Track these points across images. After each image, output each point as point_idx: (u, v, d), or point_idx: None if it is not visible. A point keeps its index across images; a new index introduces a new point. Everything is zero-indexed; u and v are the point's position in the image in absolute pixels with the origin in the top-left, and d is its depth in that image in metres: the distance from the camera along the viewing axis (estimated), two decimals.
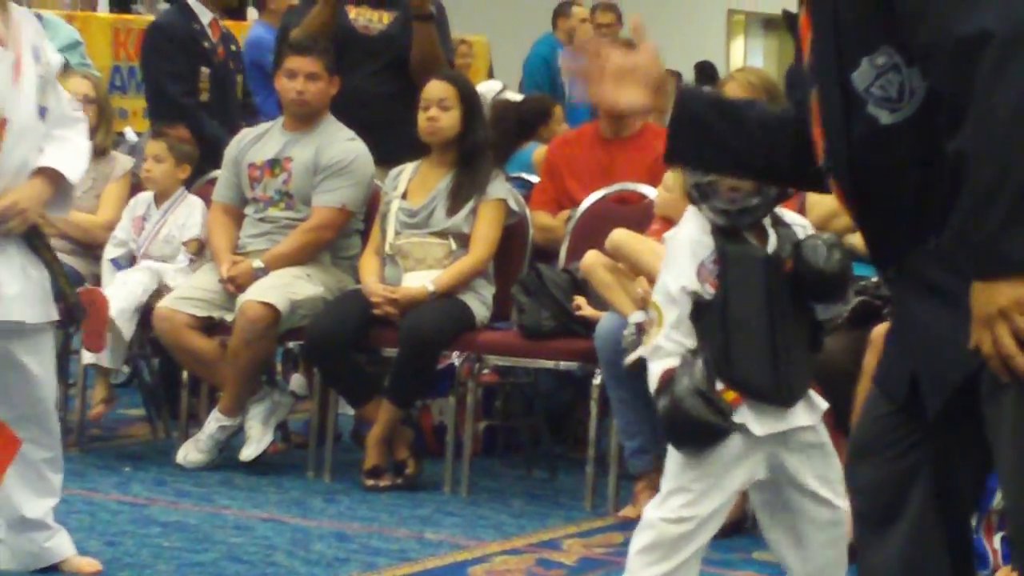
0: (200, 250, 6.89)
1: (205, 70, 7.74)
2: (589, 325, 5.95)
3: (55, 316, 4.77)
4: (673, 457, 4.08)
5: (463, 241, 6.38)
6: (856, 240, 5.17)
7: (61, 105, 4.75)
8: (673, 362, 4.00)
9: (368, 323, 6.30)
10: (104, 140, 7.09)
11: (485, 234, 6.38)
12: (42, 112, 4.64)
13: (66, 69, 7.18)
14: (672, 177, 5.53)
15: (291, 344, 6.71)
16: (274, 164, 6.74)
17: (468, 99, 6.53)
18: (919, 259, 2.86)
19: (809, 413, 4.11)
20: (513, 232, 6.51)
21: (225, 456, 6.57)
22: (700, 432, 3.97)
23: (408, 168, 6.54)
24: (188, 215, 6.96)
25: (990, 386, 2.74)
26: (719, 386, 3.99)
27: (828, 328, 4.27)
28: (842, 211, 3.07)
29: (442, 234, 6.38)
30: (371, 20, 7.22)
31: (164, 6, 9.18)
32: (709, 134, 3.10)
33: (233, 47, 7.99)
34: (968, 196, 2.66)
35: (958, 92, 2.68)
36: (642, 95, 3.08)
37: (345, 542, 5.43)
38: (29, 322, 4.64)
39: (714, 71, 14.36)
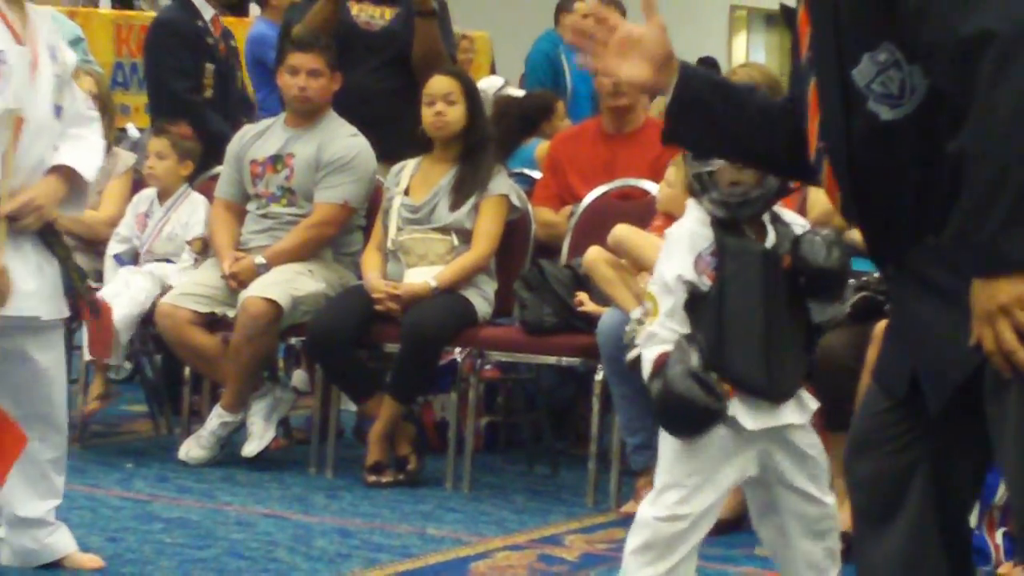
0: (204, 249, 6.89)
1: (209, 66, 7.75)
2: (591, 321, 5.95)
3: (67, 313, 4.82)
4: (666, 451, 4.07)
5: (465, 237, 6.38)
6: (856, 236, 5.19)
7: (76, 104, 4.79)
8: (667, 348, 3.98)
9: (370, 319, 6.30)
10: (106, 136, 7.07)
11: (487, 230, 6.37)
12: (57, 111, 4.67)
13: None
14: (674, 173, 5.54)
15: (293, 340, 6.72)
16: (276, 160, 6.74)
17: (471, 94, 6.54)
18: (918, 257, 2.86)
19: (800, 412, 4.10)
20: (515, 228, 6.51)
21: (227, 452, 6.57)
22: (694, 415, 3.93)
23: (410, 164, 6.54)
24: (191, 213, 6.96)
25: (993, 384, 2.74)
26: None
27: (827, 327, 4.26)
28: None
29: (444, 230, 6.38)
30: (373, 16, 7.22)
31: (166, 2, 9.16)
32: (709, 116, 3.07)
33: (232, 43, 7.99)
34: (969, 195, 2.66)
35: (959, 91, 2.68)
36: (645, 69, 3.04)
37: (347, 538, 5.43)
38: (44, 318, 4.67)
39: (716, 67, 14.36)
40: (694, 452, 4.02)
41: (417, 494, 6.14)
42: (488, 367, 6.63)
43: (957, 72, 2.67)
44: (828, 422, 5.31)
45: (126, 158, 7.29)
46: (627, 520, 4.10)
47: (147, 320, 6.68)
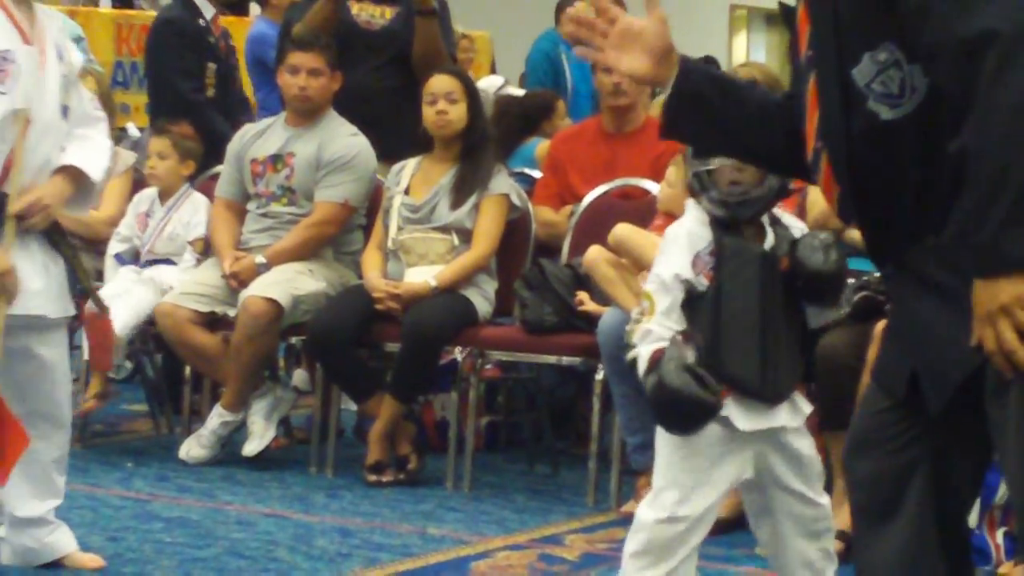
0: (206, 250, 6.88)
1: (212, 66, 7.75)
2: (592, 320, 5.95)
3: (72, 311, 4.86)
4: (662, 452, 4.07)
5: (465, 236, 6.38)
6: (855, 235, 5.19)
7: (83, 104, 4.81)
8: (663, 345, 3.96)
9: (370, 318, 6.30)
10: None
11: (488, 229, 6.37)
12: (64, 111, 4.70)
13: None
14: (675, 172, 5.54)
15: (293, 339, 6.72)
16: (276, 160, 6.74)
17: (472, 93, 6.55)
18: (918, 256, 2.85)
19: (793, 415, 4.10)
20: (516, 227, 6.51)
21: (227, 451, 6.57)
22: (688, 409, 3.90)
23: (410, 163, 6.53)
24: (193, 213, 6.95)
25: (994, 384, 2.74)
26: None
27: (822, 332, 4.25)
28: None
29: (444, 229, 6.38)
30: (373, 15, 7.22)
31: (167, 1, 9.16)
32: (708, 111, 3.06)
33: (231, 42, 7.99)
34: (969, 195, 2.66)
35: (960, 91, 2.68)
36: (645, 62, 3.02)
37: (347, 537, 5.43)
38: (50, 316, 4.70)
39: (717, 66, 14.34)
40: (690, 453, 4.01)
41: (418, 493, 6.14)
42: (489, 366, 6.63)
43: (958, 72, 2.67)
44: (828, 422, 5.32)
45: (126, 157, 7.29)
46: (628, 520, 4.10)
47: (148, 319, 6.68)
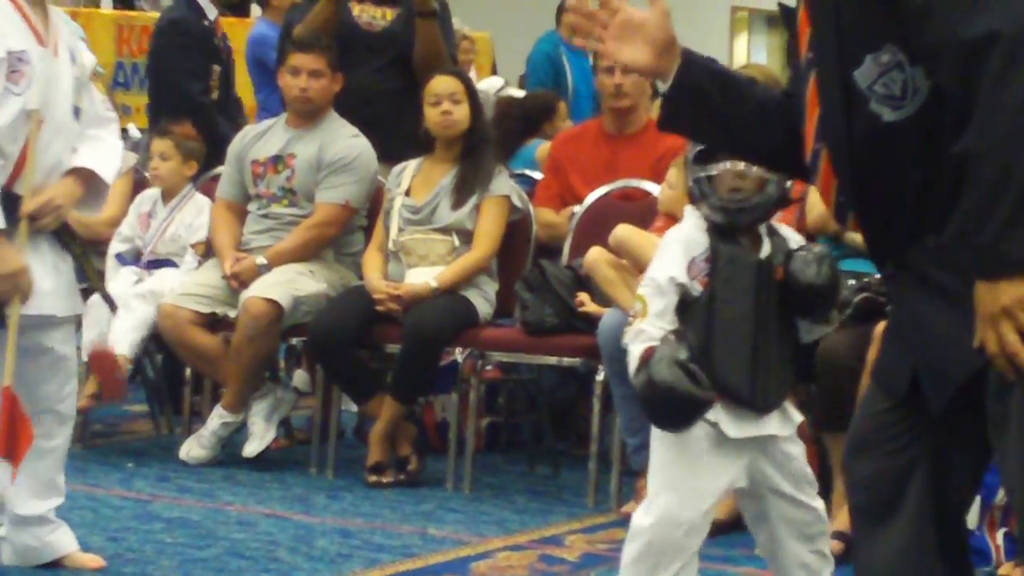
0: (208, 253, 6.88)
1: (216, 68, 7.76)
2: (592, 321, 5.95)
3: (81, 310, 4.94)
4: (657, 457, 4.06)
5: (466, 237, 6.38)
6: (856, 237, 5.19)
7: (95, 105, 4.85)
8: (654, 344, 3.92)
9: (371, 319, 6.30)
10: None
11: (488, 230, 6.38)
12: (76, 112, 4.73)
13: None
14: (676, 174, 5.54)
15: (294, 340, 6.72)
16: (277, 161, 6.74)
17: (473, 94, 6.56)
18: (919, 256, 2.85)
19: (783, 424, 4.09)
20: (516, 228, 6.51)
21: (228, 452, 6.57)
22: (680, 404, 3.85)
23: (411, 165, 6.54)
24: (196, 215, 6.95)
25: (995, 385, 2.74)
26: None
27: (813, 347, 4.25)
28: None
29: (445, 230, 6.38)
30: (374, 16, 7.22)
31: (168, 3, 9.16)
32: (707, 105, 3.05)
33: (229, 43, 7.99)
34: (971, 195, 2.66)
35: (963, 92, 2.67)
36: (646, 54, 3.02)
37: (348, 538, 5.43)
38: (59, 316, 4.74)
39: None
40: (684, 458, 4.00)
41: (418, 494, 6.14)
42: (489, 368, 6.63)
43: (961, 73, 2.67)
44: (828, 423, 5.32)
45: (127, 158, 7.28)
46: (628, 520, 4.10)
47: (152, 332, 6.69)
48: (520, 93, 9.36)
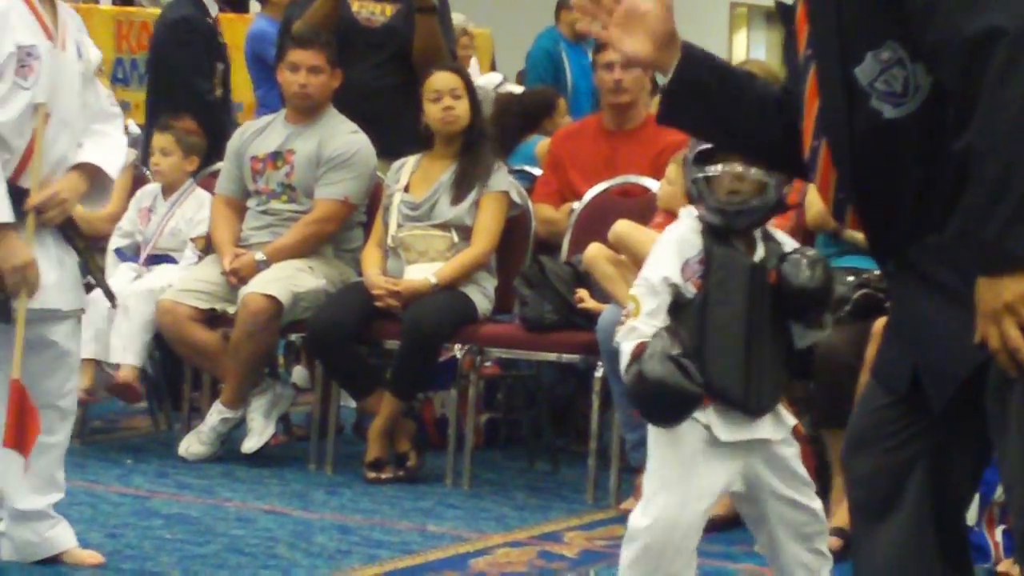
0: (208, 248, 6.89)
1: (220, 66, 7.76)
2: (591, 318, 5.95)
3: (85, 304, 4.95)
4: (653, 458, 4.05)
5: (465, 233, 6.38)
6: (856, 233, 5.19)
7: (100, 101, 4.88)
8: (645, 340, 3.89)
9: (370, 316, 6.30)
10: None
11: (487, 226, 6.38)
12: (82, 107, 4.74)
13: None
14: (675, 170, 5.53)
15: (293, 336, 6.73)
16: (277, 157, 6.74)
17: (472, 90, 6.55)
18: (920, 254, 2.85)
19: (776, 428, 4.08)
20: (516, 224, 6.51)
21: (227, 448, 6.57)
22: (671, 399, 3.83)
23: (410, 161, 6.54)
24: (197, 209, 6.96)
25: (996, 381, 2.74)
26: None
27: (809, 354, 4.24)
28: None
29: (444, 226, 6.38)
30: (374, 12, 7.22)
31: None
32: (706, 99, 3.05)
33: (224, 40, 8.00)
34: (973, 193, 2.66)
35: (965, 89, 2.67)
36: (647, 45, 3.02)
37: (347, 534, 5.43)
38: (64, 310, 4.76)
39: None
40: (679, 458, 3.99)
41: (417, 490, 6.14)
42: (488, 364, 6.64)
43: (963, 70, 2.67)
44: (827, 419, 5.32)
45: (127, 154, 7.28)
46: (627, 517, 4.09)
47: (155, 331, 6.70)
48: (519, 89, 9.36)
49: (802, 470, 4.13)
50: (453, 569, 5.07)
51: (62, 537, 4.88)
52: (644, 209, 6.03)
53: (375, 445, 6.32)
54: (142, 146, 7.57)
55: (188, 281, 6.64)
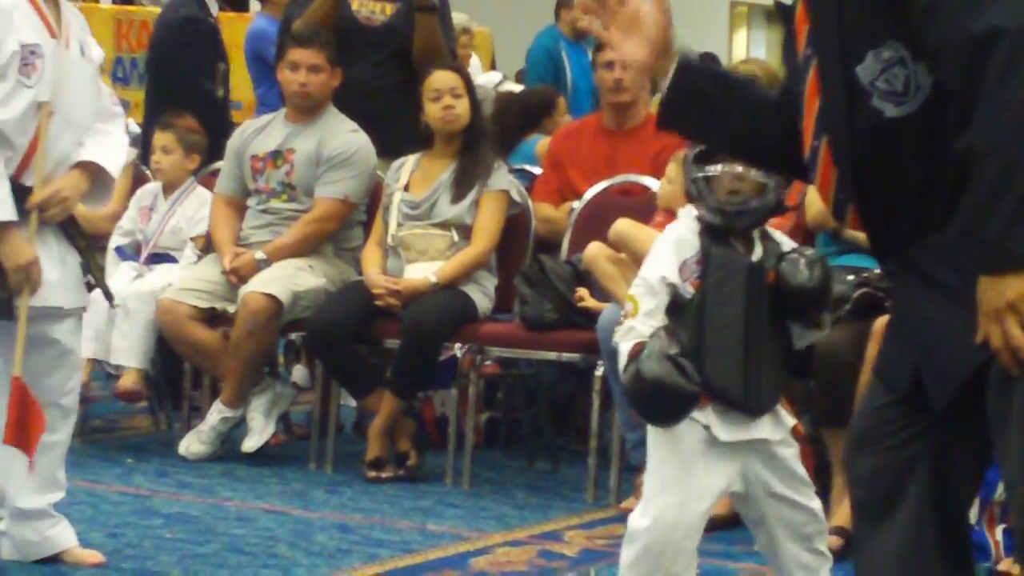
0: (208, 247, 6.88)
1: (222, 66, 7.76)
2: (592, 317, 5.95)
3: (87, 302, 4.96)
4: (653, 459, 4.05)
5: (465, 232, 6.38)
6: (856, 232, 5.19)
7: (102, 99, 4.89)
8: (643, 340, 3.88)
9: (370, 314, 6.30)
10: None
11: (487, 225, 6.37)
12: (85, 106, 4.74)
13: None
14: (675, 169, 5.53)
15: (293, 335, 6.73)
16: (277, 156, 6.74)
17: (472, 89, 6.55)
18: (921, 253, 2.85)
19: (775, 428, 4.07)
20: (516, 223, 6.51)
21: (227, 447, 6.57)
22: (669, 398, 3.81)
23: (410, 160, 6.53)
24: (198, 207, 6.96)
25: (998, 380, 2.74)
26: None
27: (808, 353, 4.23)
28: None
29: (444, 225, 6.38)
30: (374, 11, 7.22)
31: None
32: (705, 106, 3.06)
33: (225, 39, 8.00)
34: (975, 192, 2.66)
35: (966, 89, 2.67)
36: (644, 51, 3.03)
37: (347, 533, 5.43)
38: (66, 307, 4.78)
39: (717, 63, 14.30)
40: (679, 459, 3.98)
41: (417, 490, 6.14)
42: (488, 363, 6.63)
43: (964, 69, 2.67)
44: (828, 419, 5.32)
45: (128, 153, 7.28)
46: (627, 516, 4.09)
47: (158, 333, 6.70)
48: (519, 88, 9.35)
49: (801, 470, 4.13)
50: (453, 568, 5.07)
51: (62, 536, 4.89)
52: (644, 208, 6.02)
53: (375, 444, 6.32)
54: (141, 145, 7.56)
55: (188, 280, 6.64)
